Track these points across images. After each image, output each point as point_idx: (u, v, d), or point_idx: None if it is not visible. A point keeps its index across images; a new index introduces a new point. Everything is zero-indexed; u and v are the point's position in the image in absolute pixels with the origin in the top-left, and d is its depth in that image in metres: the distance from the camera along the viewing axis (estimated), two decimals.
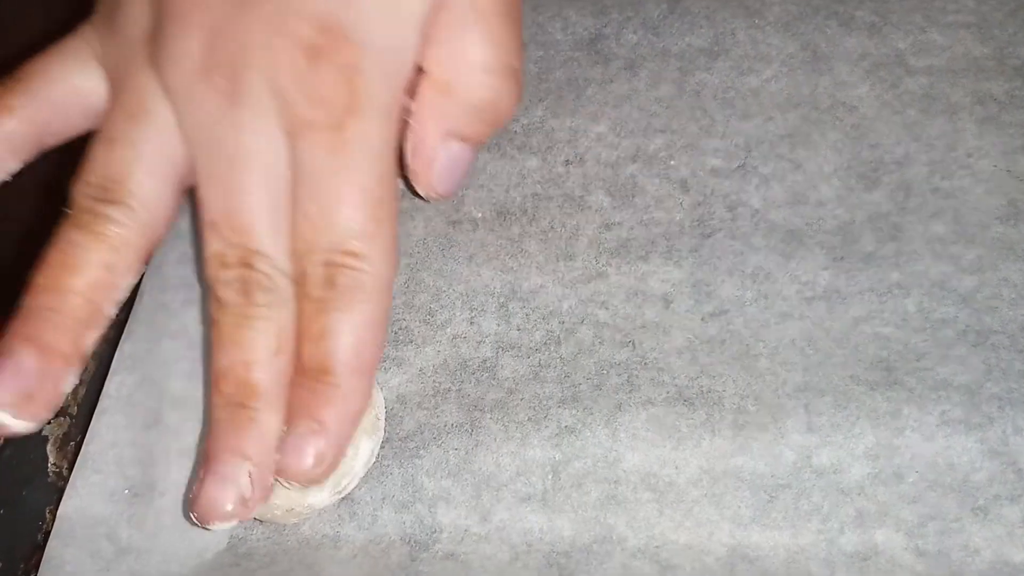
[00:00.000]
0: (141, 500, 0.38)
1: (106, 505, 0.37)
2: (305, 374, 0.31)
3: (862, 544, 0.34)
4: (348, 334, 0.31)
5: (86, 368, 0.41)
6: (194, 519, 0.32)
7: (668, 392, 0.37)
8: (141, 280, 0.43)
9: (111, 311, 0.34)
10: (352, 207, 0.31)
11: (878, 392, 0.36)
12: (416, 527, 0.36)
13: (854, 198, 0.41)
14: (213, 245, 0.32)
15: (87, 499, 0.37)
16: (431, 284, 0.41)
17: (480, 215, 0.43)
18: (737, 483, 0.35)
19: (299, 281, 0.31)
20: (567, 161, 0.43)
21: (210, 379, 0.33)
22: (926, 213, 0.41)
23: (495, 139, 0.44)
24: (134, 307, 0.42)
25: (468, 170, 0.36)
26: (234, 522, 0.32)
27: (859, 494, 0.35)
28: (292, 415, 0.32)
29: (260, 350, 0.31)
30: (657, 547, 0.35)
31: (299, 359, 0.32)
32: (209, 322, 0.33)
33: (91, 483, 0.38)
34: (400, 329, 0.40)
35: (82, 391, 0.41)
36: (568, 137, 0.44)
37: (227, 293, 0.31)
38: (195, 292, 0.42)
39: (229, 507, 0.32)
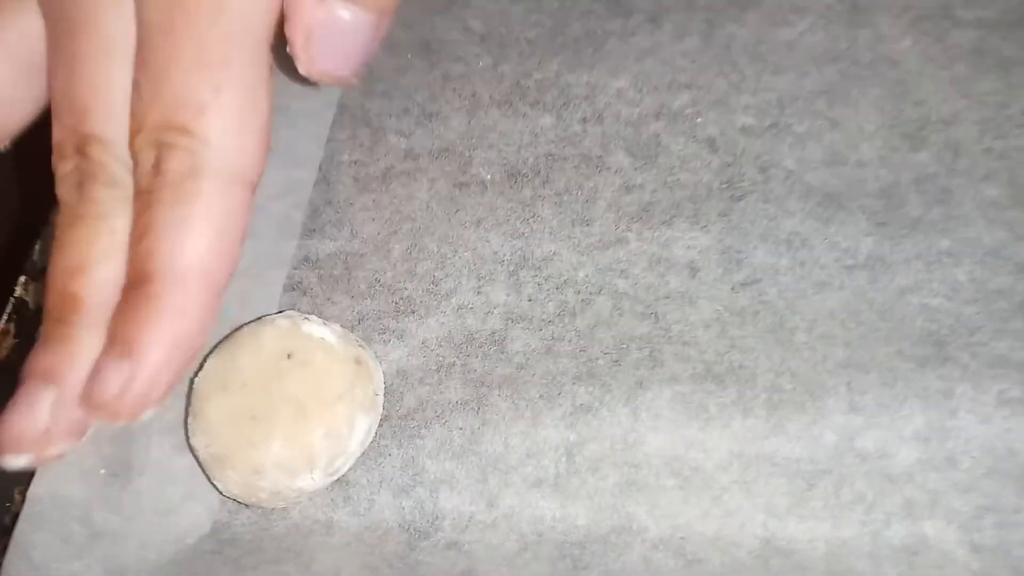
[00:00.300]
0: (117, 481, 0.34)
1: (80, 486, 0.34)
2: (128, 285, 0.27)
3: (910, 537, 0.31)
4: (175, 232, 0.25)
5: None
6: None
7: (695, 368, 0.34)
8: None
9: None
10: (183, 72, 0.25)
11: (928, 369, 0.33)
12: (416, 513, 0.33)
13: (898, 159, 0.37)
14: (55, 132, 0.27)
15: (59, 479, 0.34)
16: (435, 250, 0.38)
17: (489, 177, 0.39)
18: (771, 468, 0.32)
19: (132, 170, 0.27)
20: (584, 119, 0.40)
21: None
22: (977, 175, 0.37)
23: (505, 95, 0.41)
24: None
25: (368, 45, 0.28)
26: (29, 459, 0.27)
27: (907, 481, 0.31)
28: (108, 334, 0.27)
29: (87, 256, 0.26)
30: (682, 538, 0.32)
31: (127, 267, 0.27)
32: None
33: (64, 462, 0.34)
34: (401, 299, 0.37)
35: None
36: (586, 93, 0.40)
37: (64, 190, 0.27)
38: None
39: (24, 441, 0.27)
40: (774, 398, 0.32)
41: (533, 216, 0.38)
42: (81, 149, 0.26)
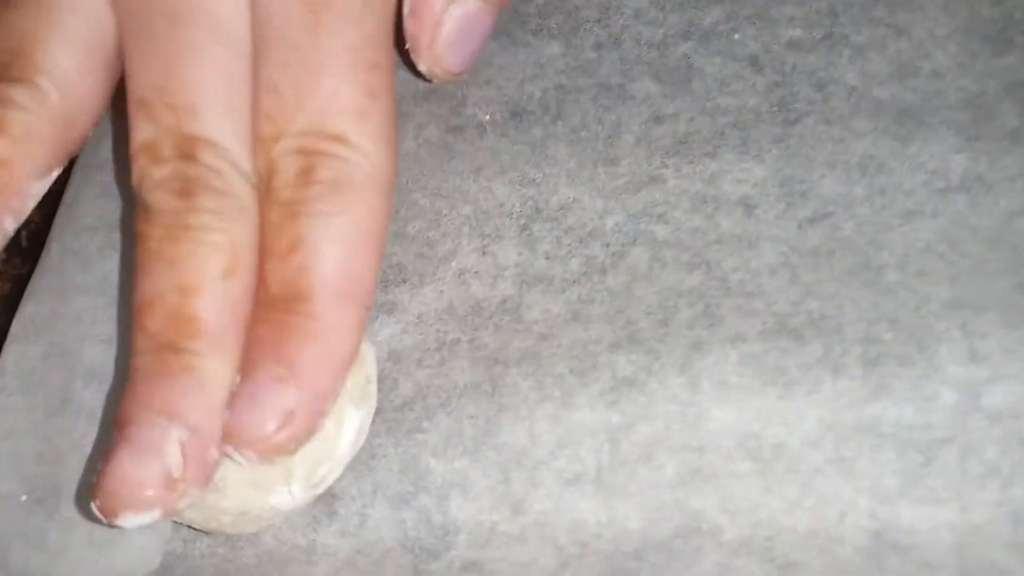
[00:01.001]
0: (43, 509, 0.28)
1: None
2: (271, 304, 0.24)
3: None
4: (332, 247, 0.24)
5: None
6: (96, 511, 0.22)
7: (764, 323, 0.27)
8: (48, 225, 0.33)
9: (9, 226, 0.25)
10: (337, 76, 0.24)
11: None
12: (421, 528, 0.26)
13: (981, 65, 0.31)
14: (143, 132, 0.24)
15: None
16: (427, 207, 0.31)
17: (488, 117, 0.33)
18: (876, 440, 0.25)
19: (264, 178, 0.24)
20: (598, 44, 0.33)
21: (131, 316, 0.24)
22: None
23: (502, 24, 0.34)
24: (41, 257, 0.32)
25: (485, 40, 0.29)
26: (155, 515, 0.22)
27: None
28: (250, 359, 0.24)
29: (204, 271, 0.23)
30: (767, 538, 0.25)
31: (263, 284, 0.24)
32: (135, 242, 0.24)
33: None
34: (389, 266, 0.30)
35: None
36: (597, 16, 0.34)
37: (159, 197, 0.24)
38: (117, 233, 0.32)
39: (149, 491, 0.22)
40: (871, 352, 0.26)
41: (545, 159, 0.31)
42: (187, 152, 0.23)
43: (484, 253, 0.30)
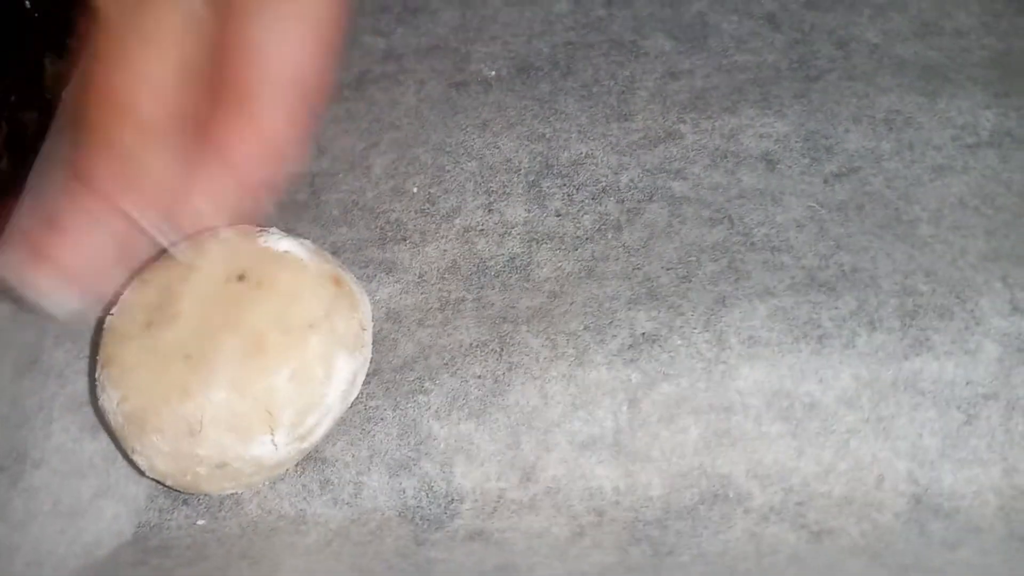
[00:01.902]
0: (6, 476, 0.25)
1: None
2: (212, 95, 0.23)
3: None
4: (266, 35, 0.23)
5: None
6: (24, 278, 0.22)
7: (793, 277, 0.25)
8: (21, 174, 0.30)
9: None
10: None
11: None
12: (423, 497, 0.24)
13: (1004, 24, 0.30)
14: None
15: None
16: (429, 163, 0.29)
17: (493, 73, 0.31)
18: (915, 398, 0.23)
19: None
20: (609, 2, 0.32)
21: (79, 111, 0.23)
22: None
23: None
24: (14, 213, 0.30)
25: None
26: (76, 295, 0.23)
27: None
28: (187, 146, 0.23)
29: (152, 62, 0.22)
30: (799, 504, 0.23)
31: (206, 77, 0.23)
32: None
33: None
34: (388, 223, 0.28)
35: None
36: None
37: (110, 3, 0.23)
38: None
39: (90, 260, 0.22)
40: (908, 304, 0.24)
41: (555, 113, 0.30)
42: None
43: (490, 210, 0.28)
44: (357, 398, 0.25)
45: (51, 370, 0.26)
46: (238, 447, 0.22)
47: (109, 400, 0.22)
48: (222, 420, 0.21)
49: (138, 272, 0.24)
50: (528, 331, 0.26)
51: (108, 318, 0.24)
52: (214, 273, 0.23)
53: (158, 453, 0.22)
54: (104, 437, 0.25)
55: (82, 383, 0.26)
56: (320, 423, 0.23)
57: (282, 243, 0.24)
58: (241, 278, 0.23)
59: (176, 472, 0.22)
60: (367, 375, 0.25)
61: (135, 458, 0.23)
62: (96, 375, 0.23)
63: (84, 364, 0.26)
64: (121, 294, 0.24)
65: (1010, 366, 0.23)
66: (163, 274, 0.24)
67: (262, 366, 0.22)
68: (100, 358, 0.23)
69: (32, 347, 0.27)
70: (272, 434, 0.22)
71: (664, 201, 0.28)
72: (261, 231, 0.24)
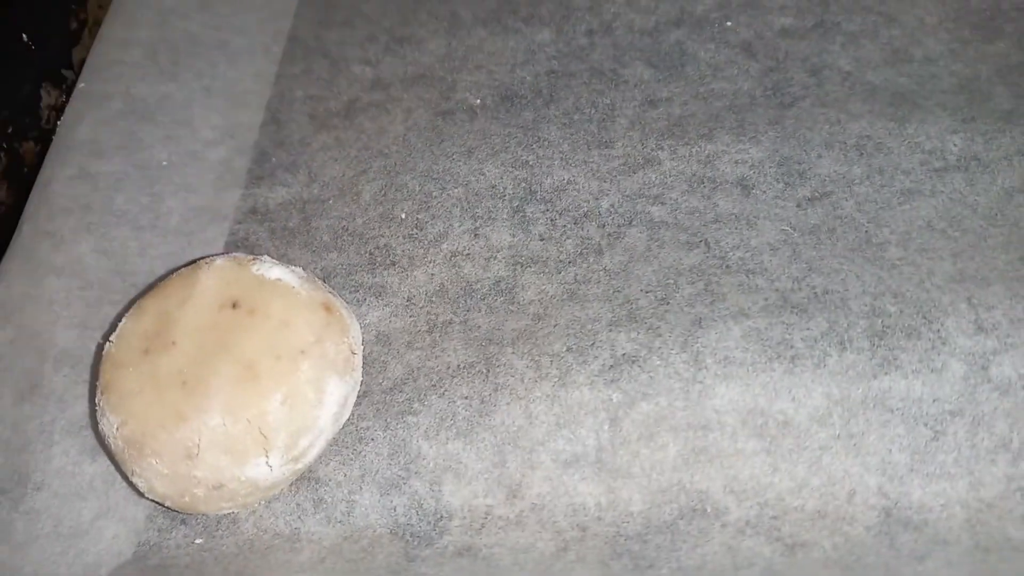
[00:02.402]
0: (7, 499, 0.26)
1: None
2: None
3: None
4: None
5: None
6: None
7: (767, 299, 0.26)
8: (19, 205, 0.31)
9: None
10: None
11: None
12: (412, 514, 0.25)
13: (971, 51, 0.31)
14: None
15: None
16: (416, 189, 0.30)
17: (478, 101, 0.32)
18: (884, 415, 0.24)
19: None
20: (590, 31, 0.33)
21: None
22: None
23: (492, 12, 0.34)
24: (12, 239, 0.30)
25: None
26: None
27: None
28: None
29: None
30: (774, 518, 0.24)
31: None
32: None
33: None
34: (376, 249, 0.29)
35: None
36: (589, 4, 0.34)
37: None
38: (92, 216, 0.30)
39: None
40: (877, 325, 0.25)
41: (538, 141, 0.31)
42: None
43: (476, 235, 0.29)
44: (348, 419, 0.26)
45: (51, 395, 0.27)
46: (234, 469, 0.23)
47: (109, 425, 0.23)
48: (218, 443, 0.22)
49: (134, 301, 0.25)
50: (513, 352, 0.27)
51: (107, 345, 0.25)
52: (208, 301, 0.24)
53: (157, 475, 0.23)
54: (103, 460, 0.26)
55: (81, 408, 0.27)
56: (313, 445, 0.24)
57: (274, 271, 0.25)
58: (235, 306, 0.24)
59: (174, 494, 0.23)
60: (358, 397, 0.26)
61: (134, 480, 0.23)
62: (96, 401, 0.24)
63: (83, 389, 0.27)
64: (120, 322, 0.25)
65: (975, 384, 0.24)
66: (159, 302, 0.24)
67: (256, 391, 0.23)
68: (99, 384, 0.24)
69: (32, 373, 0.28)
70: (267, 456, 0.23)
71: (643, 226, 0.29)
72: (254, 259, 0.25)
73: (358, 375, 0.25)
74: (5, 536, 0.25)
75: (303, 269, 0.26)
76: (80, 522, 0.25)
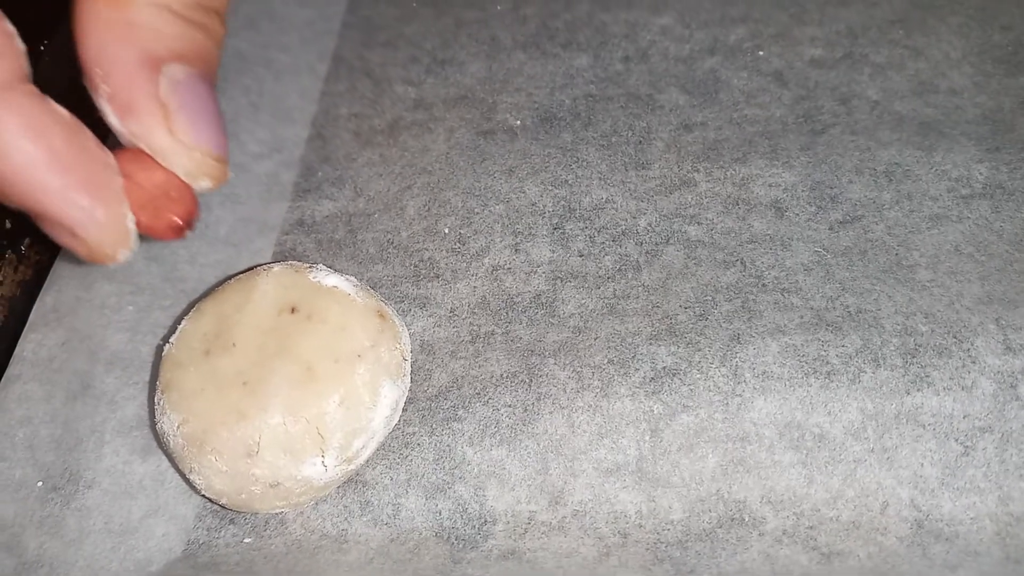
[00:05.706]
0: (59, 495, 0.26)
1: (10, 503, 0.26)
2: None
3: None
4: None
5: None
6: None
7: (802, 317, 0.27)
8: None
9: None
10: None
11: None
12: (457, 518, 0.26)
13: (995, 84, 0.32)
14: None
15: None
16: (459, 205, 0.31)
17: (519, 123, 0.33)
18: (916, 430, 0.25)
19: None
20: (626, 57, 0.34)
21: None
22: None
23: (531, 37, 0.35)
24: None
25: (215, 112, 0.23)
26: None
27: None
28: None
29: None
30: (810, 528, 0.25)
31: None
32: None
33: None
34: (421, 261, 0.30)
35: None
36: (625, 31, 0.35)
37: None
38: None
39: None
40: (909, 343, 0.26)
41: (577, 161, 0.32)
42: None
43: (517, 250, 0.30)
44: (396, 425, 0.26)
45: (103, 396, 0.28)
46: (291, 468, 0.23)
47: (169, 423, 0.24)
48: (278, 442, 0.23)
49: (193, 305, 0.26)
50: (555, 364, 0.27)
51: (166, 346, 0.25)
52: (267, 306, 0.25)
53: (216, 472, 0.23)
54: (154, 460, 0.27)
55: (132, 409, 0.28)
56: (366, 446, 0.25)
57: (330, 278, 0.26)
58: (293, 311, 0.25)
59: (232, 491, 0.24)
60: (404, 405, 0.27)
61: (192, 477, 0.24)
62: (156, 399, 0.25)
63: (133, 391, 0.28)
64: (179, 324, 0.26)
65: (1004, 401, 0.25)
66: (218, 306, 0.25)
67: (314, 392, 0.24)
68: (160, 383, 0.25)
69: (84, 374, 0.28)
70: (323, 456, 0.24)
71: (680, 244, 0.30)
72: (310, 267, 0.26)
73: (407, 381, 0.26)
74: (57, 532, 0.26)
75: (353, 277, 0.27)
76: (130, 520, 0.26)
